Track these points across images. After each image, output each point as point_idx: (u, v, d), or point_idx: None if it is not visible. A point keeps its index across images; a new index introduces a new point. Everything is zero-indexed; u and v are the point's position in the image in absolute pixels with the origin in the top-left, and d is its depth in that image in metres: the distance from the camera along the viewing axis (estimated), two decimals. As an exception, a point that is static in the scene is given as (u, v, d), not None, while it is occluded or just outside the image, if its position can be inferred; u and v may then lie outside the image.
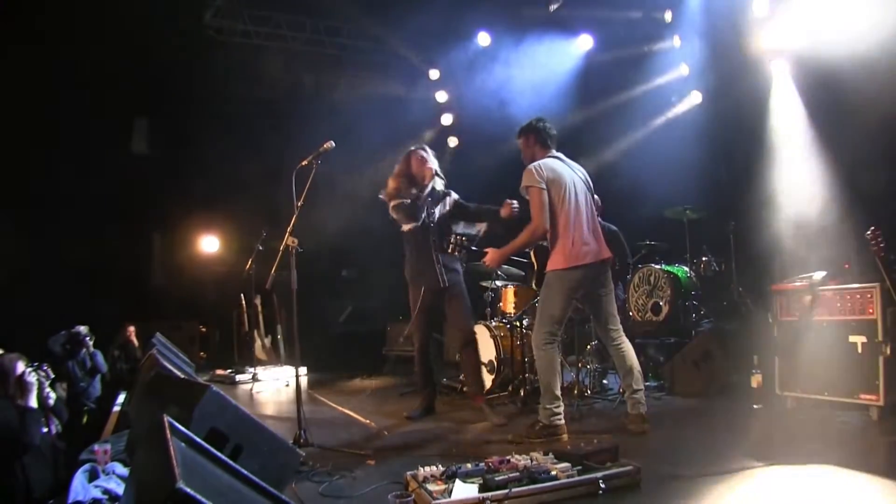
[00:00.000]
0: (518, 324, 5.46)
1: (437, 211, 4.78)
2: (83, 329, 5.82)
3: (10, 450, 3.13)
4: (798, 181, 5.96)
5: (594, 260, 3.96)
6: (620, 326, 4.16)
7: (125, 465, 3.10)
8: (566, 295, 3.95)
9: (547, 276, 4.03)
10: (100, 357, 5.94)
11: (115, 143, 8.59)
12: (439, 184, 4.79)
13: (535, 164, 4.02)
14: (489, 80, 8.54)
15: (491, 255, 4.21)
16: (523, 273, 6.26)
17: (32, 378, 3.57)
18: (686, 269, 6.22)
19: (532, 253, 4.36)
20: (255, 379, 6.89)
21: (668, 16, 7.41)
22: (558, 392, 3.94)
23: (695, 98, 7.63)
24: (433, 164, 4.71)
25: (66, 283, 7.64)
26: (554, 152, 4.16)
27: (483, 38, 8.58)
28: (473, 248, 4.43)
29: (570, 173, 4.08)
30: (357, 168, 8.26)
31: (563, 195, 3.95)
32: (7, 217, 7.68)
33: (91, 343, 5.83)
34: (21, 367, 3.50)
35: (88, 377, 5.79)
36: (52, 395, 3.85)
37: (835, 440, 3.61)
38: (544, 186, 3.93)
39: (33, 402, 3.48)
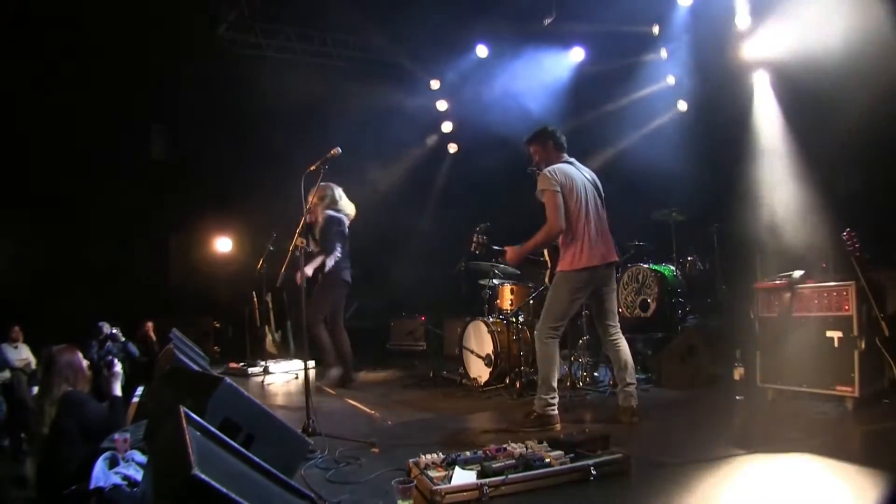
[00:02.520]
0: (514, 320, 5.46)
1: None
2: (105, 325, 5.83)
3: (99, 438, 3.01)
4: (778, 185, 5.96)
5: (601, 262, 3.94)
6: (618, 323, 4.13)
7: (143, 452, 3.10)
8: (573, 295, 3.93)
9: (556, 276, 4.02)
10: (131, 345, 6.01)
11: (134, 150, 8.60)
12: (348, 208, 5.80)
13: (550, 168, 4.00)
14: (486, 89, 8.55)
15: (510, 253, 4.22)
16: (519, 272, 6.26)
17: (118, 368, 3.39)
18: (672, 268, 6.21)
19: (546, 252, 4.39)
20: (266, 371, 6.88)
21: (655, 29, 7.42)
22: (554, 384, 3.92)
23: (681, 107, 7.63)
24: (321, 198, 5.62)
25: (89, 281, 7.66)
26: (567, 157, 4.15)
27: (481, 51, 8.59)
28: (495, 247, 4.50)
29: (582, 178, 4.06)
30: (362, 172, 8.26)
31: (574, 199, 3.93)
32: (34, 220, 7.70)
33: (119, 333, 5.86)
34: (81, 355, 3.38)
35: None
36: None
37: (813, 430, 3.61)
38: (559, 189, 3.90)
39: (118, 391, 3.32)
